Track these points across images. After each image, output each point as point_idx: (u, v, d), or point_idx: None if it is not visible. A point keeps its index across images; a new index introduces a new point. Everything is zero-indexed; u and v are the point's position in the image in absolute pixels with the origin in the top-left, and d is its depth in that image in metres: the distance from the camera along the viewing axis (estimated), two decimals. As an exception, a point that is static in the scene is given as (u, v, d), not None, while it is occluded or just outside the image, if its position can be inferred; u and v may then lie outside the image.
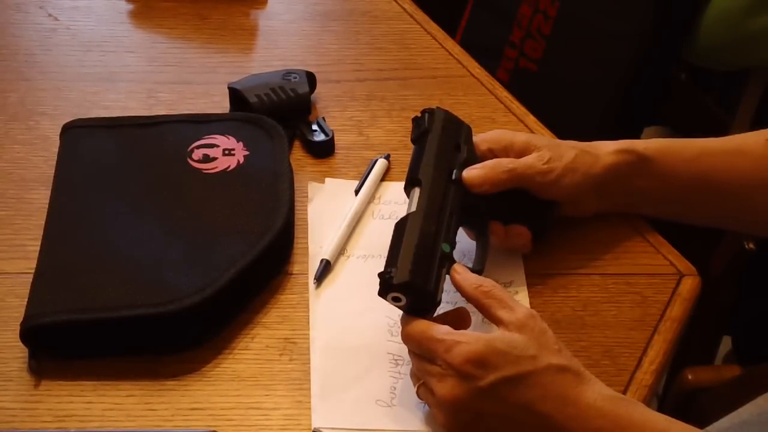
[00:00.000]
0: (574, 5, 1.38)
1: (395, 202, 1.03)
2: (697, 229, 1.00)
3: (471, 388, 0.78)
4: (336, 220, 1.00)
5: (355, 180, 1.04)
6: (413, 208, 0.89)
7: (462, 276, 0.85)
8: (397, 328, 0.91)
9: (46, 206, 0.98)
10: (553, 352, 0.79)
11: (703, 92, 1.39)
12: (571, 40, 1.38)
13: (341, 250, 0.98)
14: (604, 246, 0.99)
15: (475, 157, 0.95)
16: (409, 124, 1.11)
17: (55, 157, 1.03)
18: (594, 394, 0.78)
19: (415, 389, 0.83)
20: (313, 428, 0.84)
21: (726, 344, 1.36)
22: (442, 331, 0.80)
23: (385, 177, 1.05)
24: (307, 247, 0.98)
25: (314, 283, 0.95)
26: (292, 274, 0.96)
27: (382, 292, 0.84)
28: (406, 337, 0.83)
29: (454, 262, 0.87)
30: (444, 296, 0.86)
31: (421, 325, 0.82)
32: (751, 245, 1.11)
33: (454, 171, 0.93)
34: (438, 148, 0.93)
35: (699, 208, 0.97)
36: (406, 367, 0.88)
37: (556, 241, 0.98)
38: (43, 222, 0.96)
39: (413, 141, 0.96)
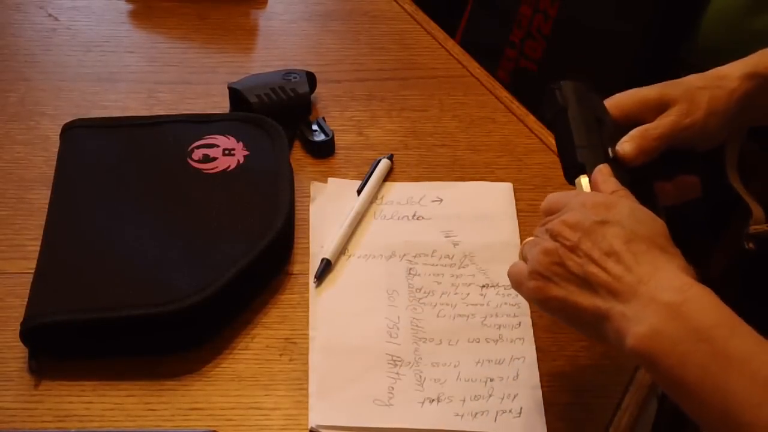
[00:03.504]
0: (574, 5, 1.37)
1: (398, 202, 1.03)
2: (697, 229, 1.00)
3: (588, 219, 0.76)
4: (338, 220, 1.00)
5: (357, 180, 1.04)
6: None
7: (604, 178, 0.83)
8: (396, 330, 0.91)
9: (46, 206, 0.98)
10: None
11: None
12: (571, 40, 1.38)
13: (342, 250, 0.98)
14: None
15: (617, 127, 0.91)
16: (409, 124, 1.12)
17: (55, 157, 1.03)
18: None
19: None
20: (309, 426, 0.84)
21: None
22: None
23: (387, 177, 1.05)
24: (308, 247, 0.98)
25: (314, 282, 0.95)
26: (292, 274, 0.96)
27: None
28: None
29: None
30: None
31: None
32: (751, 245, 1.11)
33: (609, 149, 0.89)
34: (584, 125, 0.90)
35: None
36: (405, 368, 0.88)
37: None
38: (43, 222, 0.96)
39: (549, 121, 0.93)
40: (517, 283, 0.81)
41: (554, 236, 0.77)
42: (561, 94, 0.91)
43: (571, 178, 0.88)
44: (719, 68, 0.93)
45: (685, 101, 0.90)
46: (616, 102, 0.92)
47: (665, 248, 0.75)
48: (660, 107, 0.91)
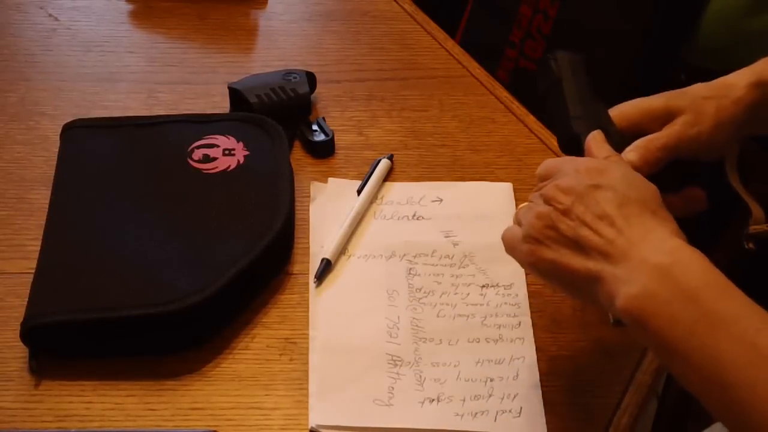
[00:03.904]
0: (574, 5, 1.38)
1: (398, 202, 1.03)
2: (696, 229, 0.99)
3: (581, 183, 0.78)
4: (338, 220, 1.00)
5: (357, 180, 1.04)
6: None
7: (598, 144, 0.85)
8: (396, 330, 0.91)
9: (47, 206, 0.98)
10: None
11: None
12: (571, 40, 1.38)
13: (342, 250, 0.98)
14: (604, 246, 0.99)
15: (623, 138, 0.90)
16: (409, 124, 1.11)
17: (55, 157, 1.03)
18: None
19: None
20: (310, 426, 0.84)
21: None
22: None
23: (387, 177, 1.05)
24: (308, 247, 0.98)
25: (314, 282, 0.95)
26: (292, 274, 0.96)
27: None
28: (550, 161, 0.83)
29: None
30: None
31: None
32: (751, 245, 1.11)
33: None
34: (578, 96, 0.89)
35: None
36: (405, 368, 0.88)
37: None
38: (44, 222, 0.96)
39: (542, 94, 0.92)
40: (510, 247, 0.82)
41: (547, 200, 0.78)
42: (556, 65, 0.91)
43: (566, 149, 0.88)
44: (725, 77, 0.92)
45: (691, 111, 0.89)
46: (621, 112, 0.91)
47: (657, 212, 0.76)
48: (665, 117, 0.90)
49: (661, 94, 0.92)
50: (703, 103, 0.90)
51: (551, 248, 0.77)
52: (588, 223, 0.75)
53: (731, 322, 0.68)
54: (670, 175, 0.89)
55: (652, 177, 0.87)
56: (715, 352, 0.67)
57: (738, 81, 0.91)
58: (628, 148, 0.88)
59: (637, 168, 0.87)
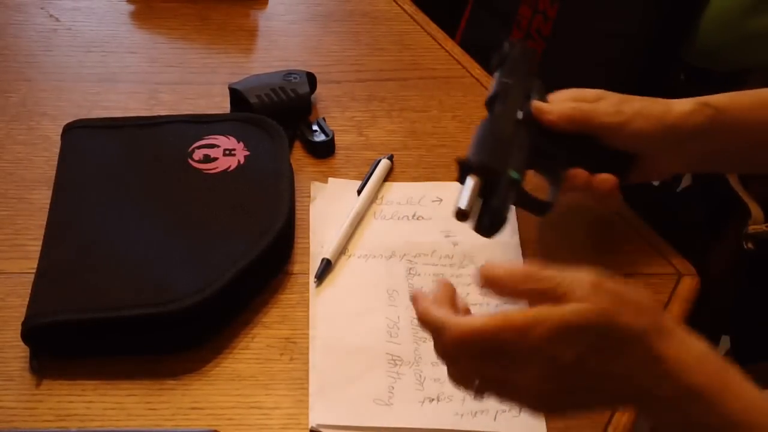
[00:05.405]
0: (574, 6, 1.38)
1: (398, 202, 1.03)
2: (696, 229, 1.00)
3: (557, 367, 0.67)
4: (338, 220, 1.00)
5: (357, 180, 1.05)
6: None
7: (502, 271, 0.73)
8: (396, 329, 0.91)
9: (47, 206, 0.98)
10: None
11: (702, 93, 1.38)
12: (571, 41, 1.38)
13: (342, 250, 0.98)
14: (602, 246, 1.00)
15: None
16: (409, 125, 1.12)
17: (56, 158, 1.03)
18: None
19: (468, 391, 0.72)
20: (310, 426, 0.84)
21: (725, 344, 1.36)
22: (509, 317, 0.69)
23: (387, 177, 1.06)
24: (308, 247, 0.98)
25: (315, 281, 0.95)
26: (292, 273, 0.96)
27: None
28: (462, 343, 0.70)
29: (522, 189, 0.87)
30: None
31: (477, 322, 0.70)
32: (750, 245, 1.11)
33: (520, 113, 0.92)
34: (516, 73, 0.95)
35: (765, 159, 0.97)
36: (405, 368, 0.89)
37: (554, 241, 0.99)
38: (44, 222, 0.97)
39: (494, 68, 0.98)
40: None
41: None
42: (511, 48, 0.99)
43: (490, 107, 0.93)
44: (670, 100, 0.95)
45: (619, 98, 0.93)
46: (555, 99, 0.94)
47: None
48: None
49: (599, 89, 0.95)
50: (636, 98, 0.93)
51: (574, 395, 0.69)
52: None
53: None
54: (587, 151, 0.92)
55: (571, 144, 0.91)
56: None
57: (681, 100, 0.94)
58: (553, 98, 0.92)
59: (545, 111, 0.91)
